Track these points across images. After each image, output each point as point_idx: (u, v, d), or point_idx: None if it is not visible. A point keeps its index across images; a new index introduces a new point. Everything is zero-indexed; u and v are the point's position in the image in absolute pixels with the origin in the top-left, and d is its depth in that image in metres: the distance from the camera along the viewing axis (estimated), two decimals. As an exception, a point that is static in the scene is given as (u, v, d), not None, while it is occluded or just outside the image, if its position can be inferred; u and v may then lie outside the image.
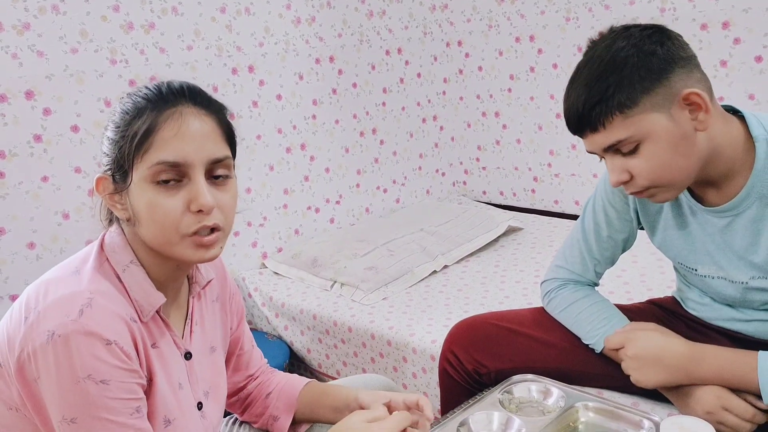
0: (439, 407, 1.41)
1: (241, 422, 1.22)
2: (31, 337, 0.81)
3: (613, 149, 1.02)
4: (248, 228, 2.43)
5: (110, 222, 0.94)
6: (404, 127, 2.91)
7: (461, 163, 3.12)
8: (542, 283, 1.36)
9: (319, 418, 1.15)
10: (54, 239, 1.94)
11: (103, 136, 0.91)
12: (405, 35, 2.85)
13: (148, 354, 0.89)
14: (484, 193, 3.08)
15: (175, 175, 0.86)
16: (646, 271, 2.02)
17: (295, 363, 2.27)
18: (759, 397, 1.03)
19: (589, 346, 1.23)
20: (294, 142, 2.52)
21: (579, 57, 1.05)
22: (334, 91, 2.63)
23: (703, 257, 1.14)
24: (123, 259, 0.90)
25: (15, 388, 0.84)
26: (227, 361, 1.14)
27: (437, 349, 1.73)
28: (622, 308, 1.27)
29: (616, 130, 0.99)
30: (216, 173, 0.90)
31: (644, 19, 2.11)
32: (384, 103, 2.82)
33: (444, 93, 3.05)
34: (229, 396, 1.17)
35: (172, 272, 0.94)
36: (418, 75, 2.93)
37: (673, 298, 1.33)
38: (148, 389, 0.89)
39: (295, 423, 1.16)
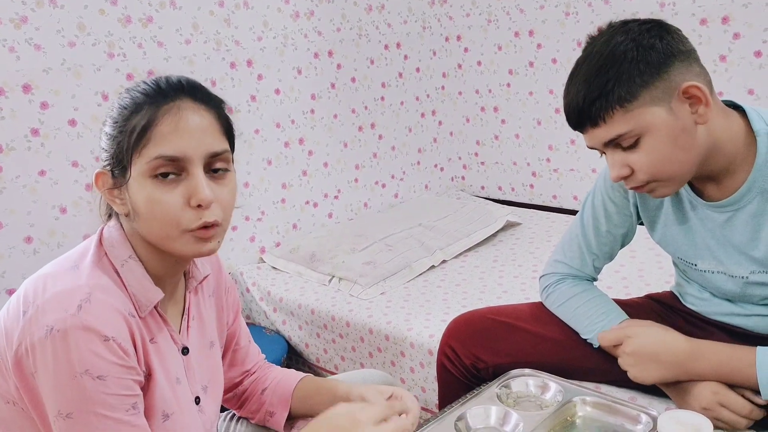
0: (437, 402, 1.41)
1: (239, 418, 1.22)
2: (29, 331, 0.81)
3: (614, 144, 1.02)
4: (246, 222, 2.43)
5: (109, 217, 0.94)
6: (403, 121, 2.91)
7: (460, 158, 3.12)
8: (541, 277, 1.36)
9: (316, 413, 1.15)
10: (51, 233, 1.94)
11: (101, 131, 0.90)
12: (404, 30, 2.84)
13: (146, 349, 0.89)
14: (483, 188, 3.08)
15: (173, 170, 0.85)
16: (644, 266, 2.02)
17: (293, 358, 2.27)
18: (757, 392, 1.03)
19: (587, 340, 1.23)
20: (292, 136, 2.52)
21: (578, 52, 1.05)
22: (333, 85, 2.62)
23: (703, 252, 1.13)
24: (121, 254, 0.90)
25: (12, 381, 0.84)
26: (223, 357, 1.13)
27: (435, 344, 1.73)
28: (620, 303, 1.27)
29: (617, 125, 0.99)
30: (215, 167, 0.89)
31: (644, 14, 2.11)
32: (383, 98, 2.81)
33: (443, 88, 3.04)
34: (226, 392, 1.17)
35: (171, 267, 0.94)
36: (417, 69, 2.92)
37: (671, 293, 1.33)
38: (147, 384, 0.89)
39: (292, 418, 1.16)
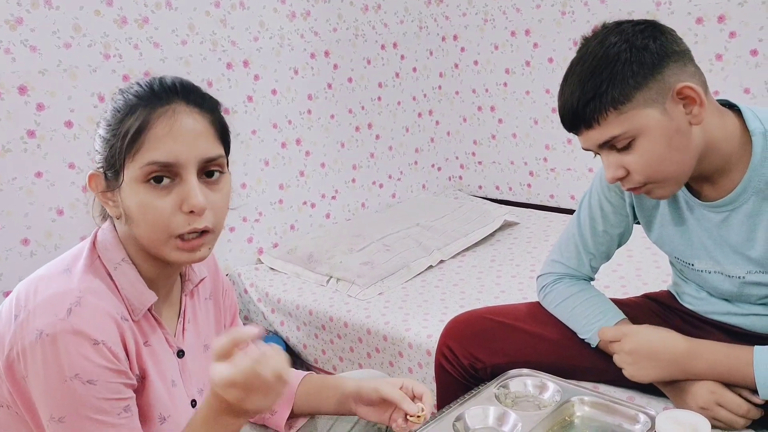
0: (435, 402, 1.41)
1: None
2: (20, 335, 0.80)
3: (608, 145, 1.02)
4: (244, 223, 2.42)
5: (103, 218, 0.94)
6: (400, 121, 2.91)
7: (457, 157, 3.12)
8: (538, 277, 1.36)
9: (319, 411, 1.15)
10: (48, 235, 1.94)
11: (95, 133, 0.90)
12: (400, 29, 2.84)
13: (139, 353, 0.88)
14: (480, 187, 3.08)
15: (167, 174, 0.85)
16: (641, 266, 2.02)
17: (291, 359, 2.26)
18: (754, 391, 1.04)
19: (585, 340, 1.23)
20: (289, 137, 2.51)
21: (575, 51, 1.05)
22: (330, 85, 2.62)
23: (700, 252, 1.14)
24: (115, 257, 0.89)
25: (5, 385, 0.84)
26: None
27: (433, 344, 1.73)
28: (617, 302, 1.27)
29: (611, 127, 0.99)
30: (209, 171, 0.88)
31: (640, 13, 2.11)
32: (379, 98, 2.81)
33: (440, 87, 3.04)
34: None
35: (164, 270, 0.93)
36: (414, 69, 2.92)
37: (668, 292, 1.33)
38: (142, 387, 0.88)
39: (293, 416, 1.16)
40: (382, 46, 2.78)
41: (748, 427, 1.06)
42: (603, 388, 1.23)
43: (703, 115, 0.99)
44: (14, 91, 1.84)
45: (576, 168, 2.69)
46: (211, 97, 0.92)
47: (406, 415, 1.04)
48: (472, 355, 1.29)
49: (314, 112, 2.58)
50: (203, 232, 0.87)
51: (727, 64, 2.19)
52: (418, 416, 1.02)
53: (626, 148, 1.01)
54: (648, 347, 1.09)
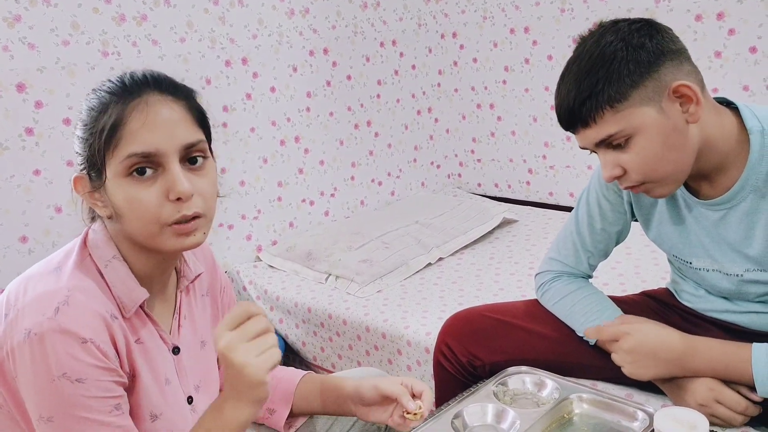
0: (434, 399, 1.41)
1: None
2: (9, 335, 0.80)
3: (605, 144, 1.02)
4: (243, 221, 2.42)
5: (93, 219, 0.93)
6: (399, 119, 2.91)
7: (456, 155, 3.12)
8: (536, 275, 1.36)
9: (318, 411, 1.15)
10: (46, 233, 1.94)
11: (73, 135, 0.89)
12: (399, 27, 2.84)
13: (130, 350, 0.88)
14: (479, 185, 3.08)
15: (149, 165, 0.84)
16: (640, 263, 2.03)
17: (289, 356, 2.27)
18: (752, 388, 1.04)
19: (583, 338, 1.23)
20: (288, 134, 2.51)
21: (574, 48, 1.05)
22: (329, 83, 2.62)
23: (698, 250, 1.14)
24: (105, 255, 0.89)
25: None
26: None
27: (432, 342, 1.73)
28: (616, 300, 1.27)
29: (607, 125, 0.99)
30: (191, 158, 0.88)
31: (639, 10, 2.10)
32: (378, 96, 2.81)
33: (439, 85, 3.04)
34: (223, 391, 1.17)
35: (158, 266, 0.93)
36: (413, 67, 2.92)
37: (667, 290, 1.33)
38: (132, 385, 0.88)
39: (292, 416, 1.16)
40: (381, 44, 2.78)
41: (746, 424, 1.06)
42: (601, 385, 1.23)
43: (699, 113, 0.99)
44: (12, 88, 1.83)
45: (575, 165, 2.69)
46: (184, 85, 0.92)
47: (404, 413, 1.03)
48: (471, 353, 1.29)
49: (313, 110, 2.58)
50: (195, 217, 0.87)
51: (726, 61, 2.19)
52: (416, 414, 1.02)
53: (623, 146, 1.01)
54: (647, 345, 1.09)
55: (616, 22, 1.02)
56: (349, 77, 2.68)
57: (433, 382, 1.39)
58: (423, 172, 3.05)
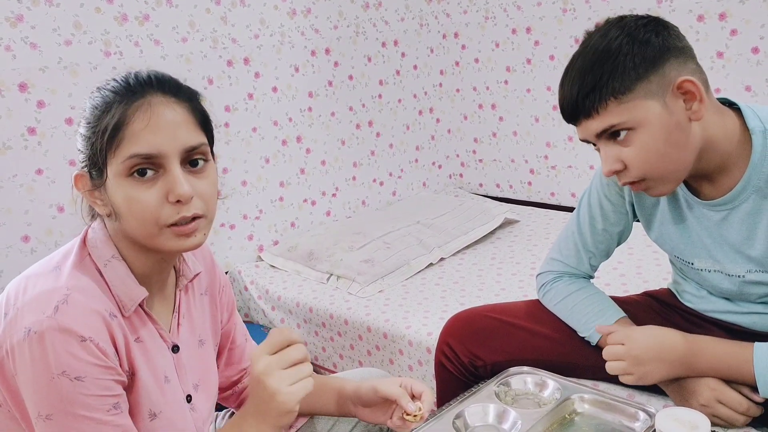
0: (435, 400, 1.41)
1: (238, 416, 1.21)
2: (9, 333, 0.81)
3: (606, 136, 1.01)
4: (244, 221, 2.42)
5: (92, 218, 0.93)
6: (400, 119, 2.91)
7: (458, 155, 3.12)
8: (538, 275, 1.36)
9: (319, 411, 1.15)
10: (49, 232, 1.94)
11: (76, 133, 0.90)
12: (401, 27, 2.84)
13: (129, 349, 0.88)
14: (481, 185, 3.08)
15: (150, 167, 0.84)
16: (642, 263, 2.02)
17: (291, 356, 2.27)
18: (754, 389, 1.03)
19: (585, 338, 1.23)
20: (290, 134, 2.51)
21: (576, 48, 1.05)
22: (330, 83, 2.62)
23: (700, 251, 1.13)
24: (104, 254, 0.89)
25: None
26: (219, 355, 1.13)
27: (433, 342, 1.73)
28: (617, 300, 1.27)
29: (610, 116, 0.99)
30: (192, 160, 0.88)
31: (641, 11, 2.11)
32: (380, 96, 2.81)
33: (440, 85, 3.04)
34: (224, 390, 1.17)
35: (156, 265, 0.93)
36: (415, 67, 2.92)
37: (668, 290, 1.33)
38: (131, 384, 0.88)
39: None
40: (383, 44, 2.78)
41: (748, 425, 1.06)
42: (603, 385, 1.23)
43: (703, 111, 0.99)
44: (15, 88, 1.84)
45: (577, 166, 2.69)
46: (188, 87, 0.92)
47: (404, 414, 1.03)
48: (472, 353, 1.29)
49: (315, 110, 2.58)
50: (194, 218, 0.87)
51: (728, 61, 2.19)
52: (415, 415, 1.02)
53: (625, 141, 1.00)
54: (653, 350, 1.08)
55: (622, 18, 1.02)
56: (350, 77, 2.68)
57: (434, 382, 1.39)
58: (424, 172, 3.05)
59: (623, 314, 1.21)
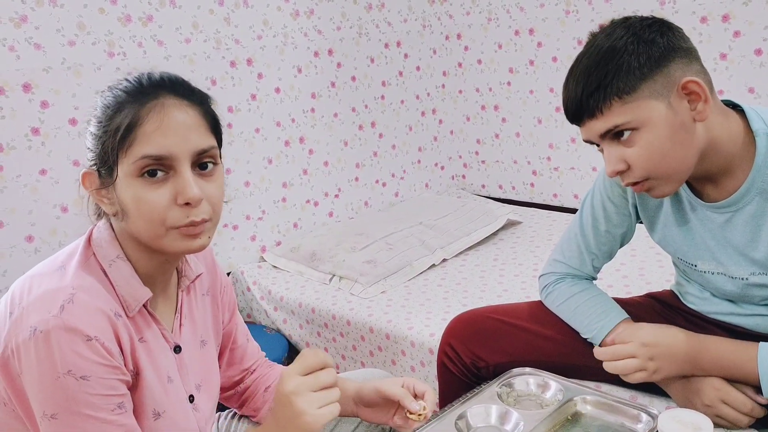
0: (438, 400, 1.41)
1: (241, 416, 1.22)
2: (14, 332, 0.81)
3: (610, 136, 1.01)
4: (247, 221, 2.43)
5: (99, 216, 0.94)
6: (403, 120, 2.91)
7: (460, 156, 3.12)
8: (540, 276, 1.36)
9: None
10: (52, 232, 1.94)
11: (86, 131, 0.90)
12: (404, 28, 2.84)
13: (134, 348, 0.88)
14: (483, 186, 3.08)
15: (160, 168, 0.85)
16: (644, 265, 2.02)
17: (293, 356, 2.26)
18: (758, 389, 1.03)
19: (588, 339, 1.23)
20: (293, 135, 2.52)
21: (579, 50, 1.05)
22: (333, 84, 2.62)
23: (703, 253, 1.13)
24: (109, 254, 0.89)
25: (1, 383, 0.84)
26: (221, 355, 1.13)
27: (435, 343, 1.73)
28: (620, 302, 1.27)
29: (614, 116, 0.98)
30: (202, 163, 0.88)
31: (644, 12, 2.10)
32: (383, 97, 2.81)
33: (443, 86, 3.04)
34: (226, 390, 1.17)
35: (161, 266, 0.93)
36: (417, 68, 2.92)
37: (671, 292, 1.33)
38: (135, 383, 0.89)
39: None
40: (386, 45, 2.78)
41: (751, 426, 1.06)
42: (605, 387, 1.23)
43: (707, 112, 0.99)
44: (18, 88, 1.84)
45: (579, 167, 2.69)
46: (200, 90, 0.92)
47: (407, 413, 1.04)
48: (475, 354, 1.29)
49: (317, 111, 2.58)
50: (201, 222, 0.87)
51: (731, 63, 2.19)
52: (420, 414, 1.02)
53: (628, 141, 1.00)
54: (662, 346, 1.08)
55: (627, 19, 1.02)
56: (353, 78, 2.69)
57: (436, 383, 1.40)
58: (427, 173, 3.06)
59: (626, 315, 1.21)
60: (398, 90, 2.86)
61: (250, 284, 2.33)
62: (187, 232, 0.86)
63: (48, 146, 1.91)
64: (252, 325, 2.30)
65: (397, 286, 2.15)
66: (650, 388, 1.18)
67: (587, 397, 1.09)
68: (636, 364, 1.09)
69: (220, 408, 1.16)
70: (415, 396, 1.05)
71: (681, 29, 1.02)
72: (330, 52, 2.59)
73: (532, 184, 2.88)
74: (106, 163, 0.86)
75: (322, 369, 0.86)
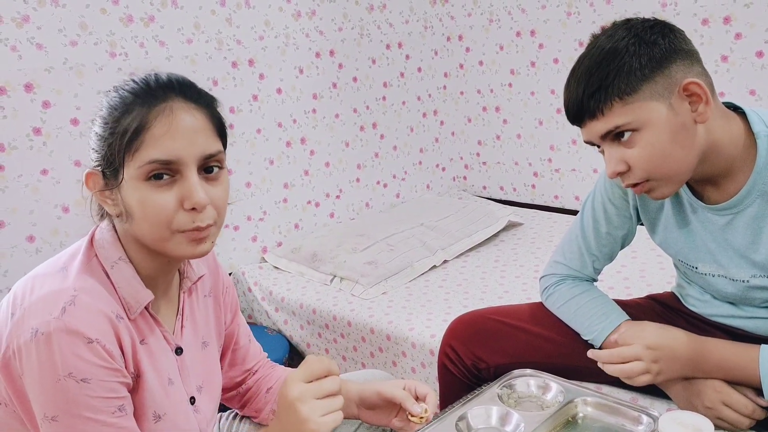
0: (438, 402, 1.41)
1: (242, 417, 1.22)
2: (16, 333, 0.81)
3: (611, 137, 1.01)
4: (248, 222, 2.43)
5: (101, 217, 0.93)
6: (404, 121, 2.91)
7: (461, 158, 3.12)
8: (541, 278, 1.36)
9: None
10: (54, 232, 1.94)
11: (90, 131, 0.89)
12: (405, 29, 2.84)
13: (135, 351, 0.88)
14: (484, 188, 3.08)
15: (167, 172, 0.84)
16: (645, 267, 2.02)
17: (294, 357, 2.27)
18: (759, 391, 1.03)
19: (589, 341, 1.23)
20: (294, 136, 2.52)
21: (580, 52, 1.05)
22: (335, 85, 2.62)
23: (704, 255, 1.13)
24: (112, 256, 0.89)
25: (2, 384, 0.84)
26: (223, 356, 1.13)
27: (436, 344, 1.73)
28: (621, 303, 1.27)
29: (615, 116, 0.99)
30: (208, 167, 0.88)
31: (645, 14, 2.10)
32: (384, 98, 2.81)
33: (444, 87, 3.04)
34: (227, 391, 1.17)
35: (163, 268, 0.93)
36: (419, 69, 2.92)
37: (672, 294, 1.33)
38: (136, 385, 0.88)
39: None
40: (387, 46, 2.79)
41: (752, 428, 1.06)
42: (606, 389, 1.23)
43: (708, 113, 0.99)
44: (20, 88, 1.85)
45: (580, 169, 2.69)
46: (207, 93, 0.92)
47: (408, 415, 1.04)
48: (475, 355, 1.29)
49: (319, 112, 2.59)
50: (206, 226, 0.87)
51: (732, 65, 2.19)
52: (421, 417, 1.02)
53: (629, 141, 1.00)
54: (666, 348, 1.08)
55: (628, 21, 1.02)
56: (355, 79, 2.69)
57: (437, 385, 1.40)
58: (428, 174, 3.06)
59: (627, 317, 1.21)
60: (399, 91, 2.86)
61: (251, 285, 2.34)
62: (192, 236, 0.86)
63: (49, 146, 1.91)
64: (253, 326, 2.30)
65: (398, 287, 2.15)
66: (651, 389, 1.18)
67: (588, 399, 1.09)
68: (641, 367, 1.08)
69: (222, 408, 1.16)
70: (417, 398, 1.05)
71: (682, 31, 1.02)
72: (331, 53, 2.59)
73: (533, 186, 2.88)
74: (111, 165, 0.85)
75: (326, 376, 0.87)
